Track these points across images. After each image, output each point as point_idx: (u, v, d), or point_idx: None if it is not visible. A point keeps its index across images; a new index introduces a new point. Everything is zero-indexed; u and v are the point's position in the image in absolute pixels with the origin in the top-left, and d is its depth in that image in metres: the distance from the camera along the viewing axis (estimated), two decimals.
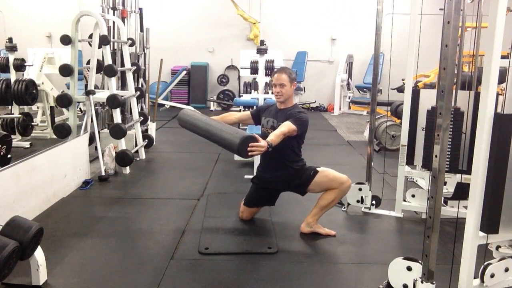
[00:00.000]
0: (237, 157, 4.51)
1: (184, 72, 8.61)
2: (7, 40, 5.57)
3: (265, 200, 3.04)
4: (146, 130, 5.38)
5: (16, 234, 1.93)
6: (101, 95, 4.36)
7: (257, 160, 3.84)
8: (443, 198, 2.53)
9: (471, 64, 3.81)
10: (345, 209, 3.32)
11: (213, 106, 9.17)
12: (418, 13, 2.93)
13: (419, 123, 3.01)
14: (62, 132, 4.18)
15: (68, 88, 4.81)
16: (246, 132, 2.48)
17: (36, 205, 3.07)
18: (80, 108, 5.99)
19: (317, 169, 2.86)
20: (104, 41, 4.18)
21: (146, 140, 5.03)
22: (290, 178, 2.88)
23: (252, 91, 6.90)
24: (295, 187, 2.92)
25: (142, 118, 5.03)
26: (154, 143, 5.34)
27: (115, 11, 4.99)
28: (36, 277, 2.12)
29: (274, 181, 2.92)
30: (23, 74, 5.41)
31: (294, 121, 2.72)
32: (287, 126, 2.68)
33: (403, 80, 5.17)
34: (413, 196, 3.19)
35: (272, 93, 6.16)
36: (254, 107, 5.38)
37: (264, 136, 2.83)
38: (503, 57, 1.75)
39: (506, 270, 1.96)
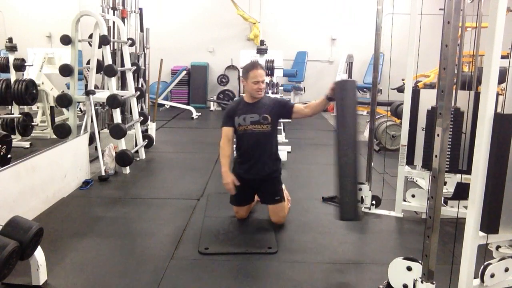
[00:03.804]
0: None
1: (184, 72, 8.61)
2: (7, 40, 5.56)
3: (249, 194, 3.09)
4: (146, 130, 5.38)
5: (16, 234, 1.93)
6: (101, 95, 4.36)
7: None
8: (443, 198, 2.53)
9: (471, 64, 3.81)
10: None
11: (213, 106, 9.17)
12: (418, 13, 2.92)
13: (419, 123, 3.01)
14: (62, 132, 4.18)
15: (68, 88, 4.81)
16: (360, 210, 2.48)
17: (36, 205, 3.07)
18: (80, 108, 5.98)
19: (277, 198, 2.95)
20: (104, 41, 4.18)
21: (146, 140, 5.03)
22: (266, 176, 2.94)
23: None
24: (263, 194, 3.02)
25: (142, 118, 5.03)
26: (154, 143, 5.34)
27: (115, 11, 4.99)
28: (36, 277, 2.12)
29: (254, 179, 2.95)
30: (23, 74, 5.41)
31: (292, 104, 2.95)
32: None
33: (403, 80, 5.16)
34: (413, 196, 3.19)
35: (273, 92, 6.14)
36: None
37: (245, 135, 2.89)
38: (503, 57, 1.75)
39: (506, 270, 1.96)
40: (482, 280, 1.89)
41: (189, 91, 9.33)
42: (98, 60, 4.51)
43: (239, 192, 3.02)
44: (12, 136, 3.70)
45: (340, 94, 2.56)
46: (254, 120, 2.87)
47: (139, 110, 5.25)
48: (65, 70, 4.24)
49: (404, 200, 3.20)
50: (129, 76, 4.81)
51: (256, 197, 3.31)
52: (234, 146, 3.01)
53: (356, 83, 2.71)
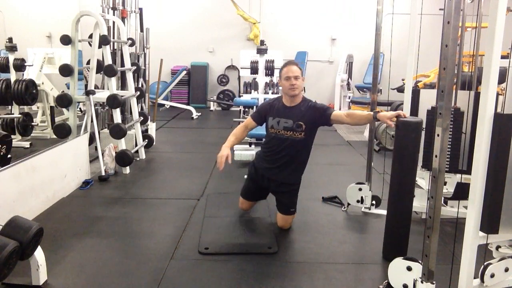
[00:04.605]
0: (237, 157, 4.51)
1: (184, 72, 8.61)
2: (7, 40, 5.55)
3: (260, 193, 3.09)
4: (146, 130, 5.39)
5: (16, 234, 1.93)
6: (101, 95, 4.36)
7: None
8: (443, 198, 2.53)
9: (471, 64, 3.81)
10: (345, 209, 3.32)
11: (213, 106, 9.18)
12: (418, 13, 2.93)
13: None
14: (62, 132, 4.18)
15: (68, 88, 4.81)
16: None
17: (36, 205, 3.08)
18: (80, 108, 5.97)
19: (292, 210, 2.91)
20: (104, 41, 4.18)
21: (146, 140, 5.03)
22: (285, 186, 2.89)
23: (252, 91, 6.90)
24: (279, 202, 2.95)
25: (142, 118, 5.03)
26: (154, 143, 5.34)
27: (115, 11, 4.99)
28: (36, 277, 2.13)
29: (272, 179, 2.91)
30: (23, 74, 5.40)
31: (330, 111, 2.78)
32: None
33: (403, 80, 5.16)
34: (413, 196, 3.18)
35: (273, 92, 6.13)
36: (255, 107, 5.38)
37: (276, 138, 2.81)
38: (503, 57, 1.75)
39: (506, 270, 1.96)
40: (482, 280, 1.90)
41: (189, 91, 9.33)
42: (98, 60, 4.51)
43: (251, 186, 3.04)
44: (12, 136, 3.69)
45: (402, 135, 2.47)
46: (288, 126, 2.77)
47: (139, 110, 5.25)
48: (65, 70, 4.24)
49: None
50: (129, 76, 4.81)
51: None
52: (263, 140, 2.99)
53: (422, 124, 2.55)
